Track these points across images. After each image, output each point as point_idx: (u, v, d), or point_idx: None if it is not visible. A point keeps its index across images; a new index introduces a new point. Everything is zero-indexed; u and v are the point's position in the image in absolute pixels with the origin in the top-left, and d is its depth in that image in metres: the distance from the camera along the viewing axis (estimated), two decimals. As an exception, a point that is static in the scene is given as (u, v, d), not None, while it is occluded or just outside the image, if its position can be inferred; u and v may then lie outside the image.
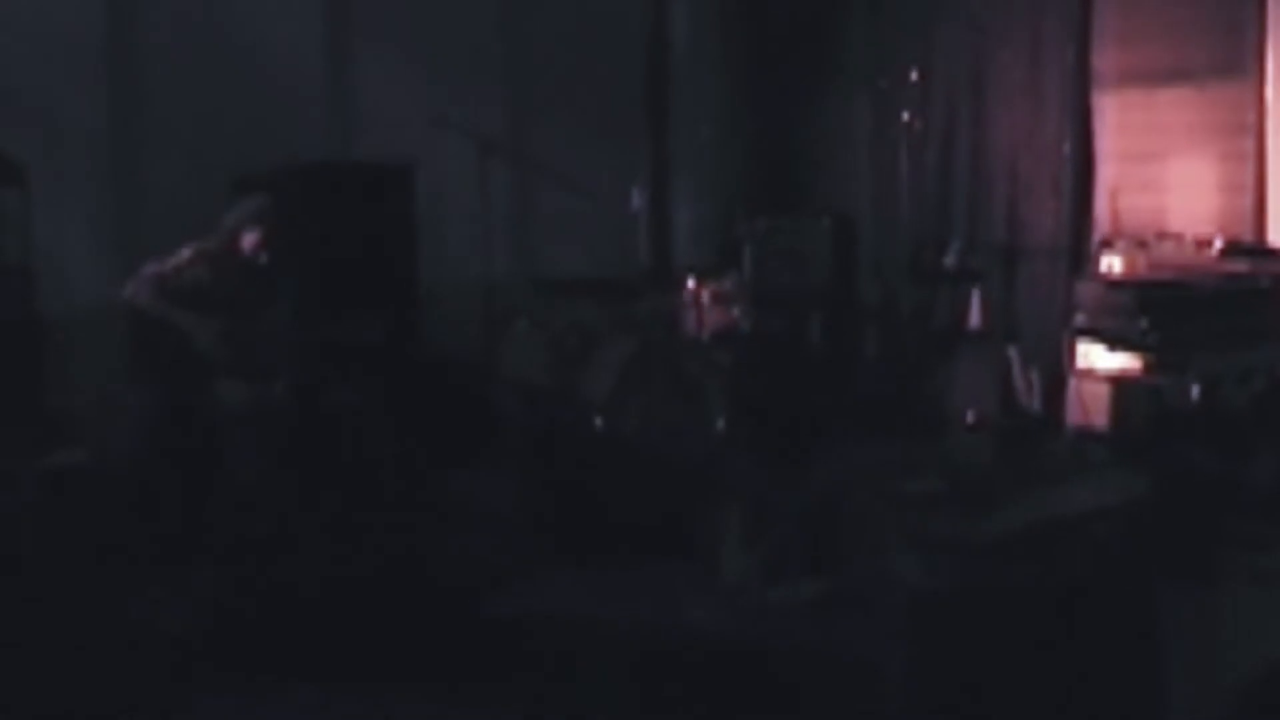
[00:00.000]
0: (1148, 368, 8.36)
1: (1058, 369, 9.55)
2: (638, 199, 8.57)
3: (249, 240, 7.74)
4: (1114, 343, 8.51)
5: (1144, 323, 8.32)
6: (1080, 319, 8.81)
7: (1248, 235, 9.52)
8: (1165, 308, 8.43)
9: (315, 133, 9.27)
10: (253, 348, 7.60)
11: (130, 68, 8.51)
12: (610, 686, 5.47)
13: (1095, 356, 8.70)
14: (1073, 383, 9.65)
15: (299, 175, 8.40)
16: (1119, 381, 9.04)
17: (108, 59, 8.43)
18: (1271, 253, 9.29)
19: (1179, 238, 9.31)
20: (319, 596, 6.09)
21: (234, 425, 7.31)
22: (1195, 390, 8.38)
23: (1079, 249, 10.05)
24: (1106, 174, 10.20)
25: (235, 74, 8.81)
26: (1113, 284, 8.89)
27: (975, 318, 9.61)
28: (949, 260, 9.97)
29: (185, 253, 7.59)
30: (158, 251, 7.66)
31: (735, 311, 8.95)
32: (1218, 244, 9.10)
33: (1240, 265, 8.99)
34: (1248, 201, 9.68)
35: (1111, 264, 9.12)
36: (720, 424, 8.02)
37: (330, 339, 7.60)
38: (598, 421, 8.43)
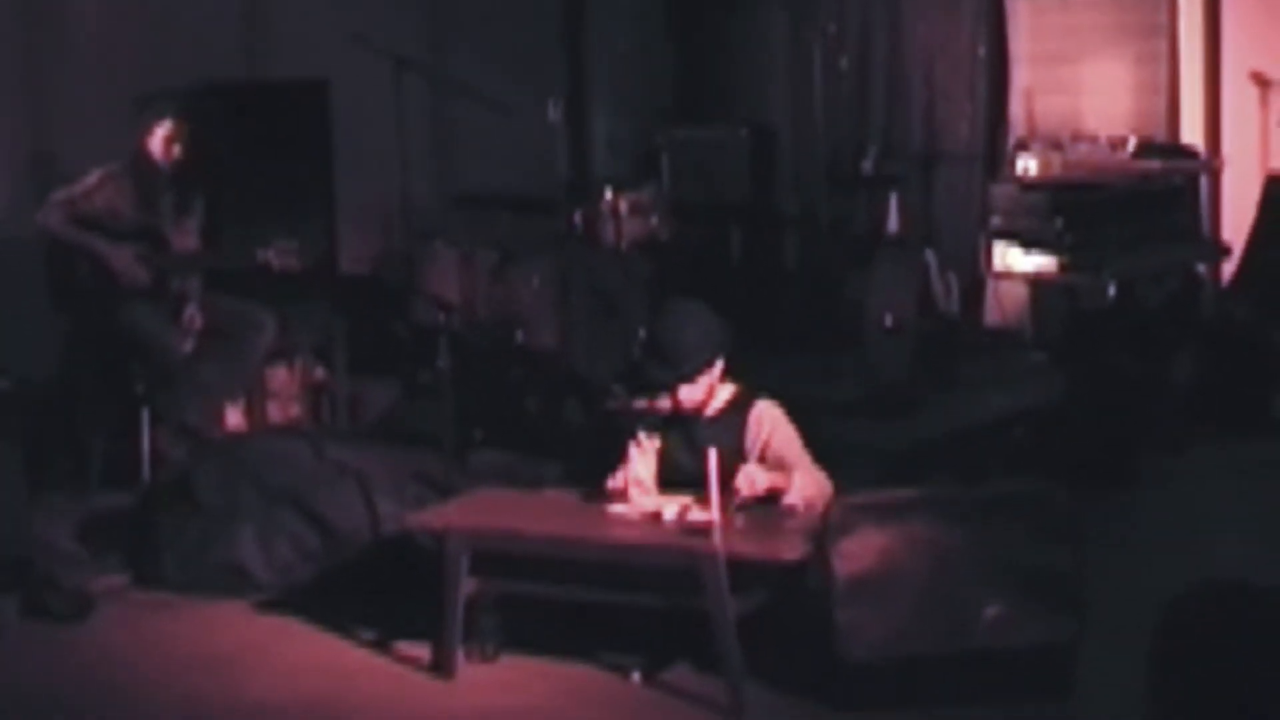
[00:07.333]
0: (1064, 268, 8.41)
1: (975, 271, 9.62)
2: (555, 112, 8.50)
3: (159, 136, 7.45)
4: (1030, 244, 8.55)
5: (1059, 224, 8.36)
6: (996, 221, 8.86)
7: (1161, 135, 9.61)
8: (1080, 209, 8.48)
9: (230, 52, 9.17)
10: (166, 271, 7.53)
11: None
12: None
13: (1012, 258, 8.75)
14: (990, 284, 9.76)
15: (209, 93, 8.33)
16: (1036, 282, 9.12)
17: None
18: (1185, 152, 9.37)
19: (1093, 139, 9.37)
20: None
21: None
22: (1111, 290, 8.45)
23: (994, 152, 10.10)
24: (1021, 77, 10.24)
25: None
26: (1028, 186, 8.94)
27: (893, 222, 9.64)
28: (866, 166, 9.99)
29: (94, 176, 7.47)
30: (68, 176, 7.58)
31: (654, 222, 8.95)
32: (1132, 144, 9.17)
33: (1154, 165, 9.06)
34: (1161, 102, 9.75)
35: (1027, 166, 9.18)
36: (641, 334, 8.00)
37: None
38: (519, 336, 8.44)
